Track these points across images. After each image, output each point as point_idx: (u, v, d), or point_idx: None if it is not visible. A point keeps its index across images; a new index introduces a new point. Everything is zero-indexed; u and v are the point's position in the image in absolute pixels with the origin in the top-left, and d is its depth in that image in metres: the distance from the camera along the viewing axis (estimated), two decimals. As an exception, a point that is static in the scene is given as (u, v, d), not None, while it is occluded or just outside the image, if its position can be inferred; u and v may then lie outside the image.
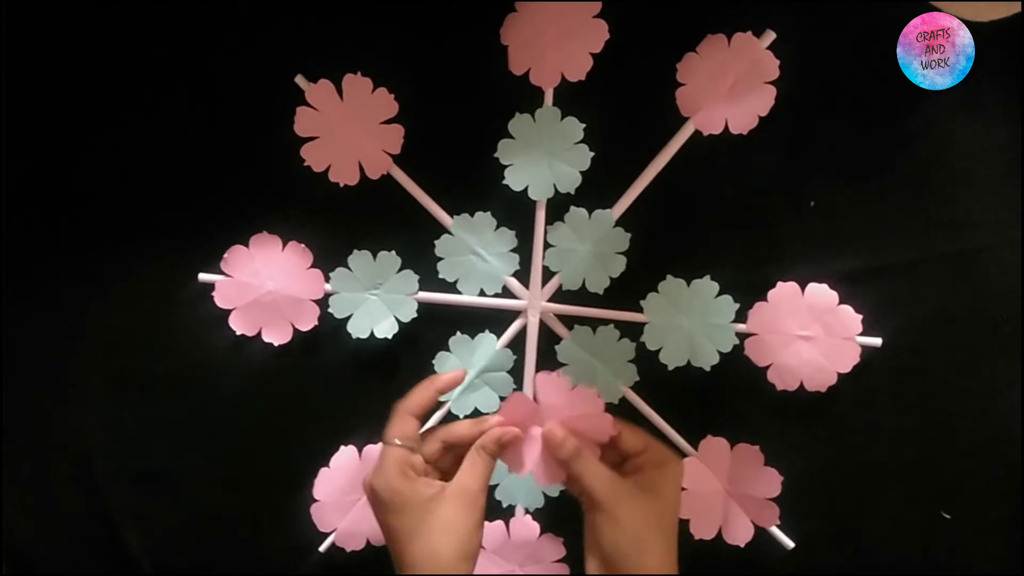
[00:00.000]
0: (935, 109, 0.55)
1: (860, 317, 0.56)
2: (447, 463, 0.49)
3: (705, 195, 0.58)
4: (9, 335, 0.60)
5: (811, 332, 0.56)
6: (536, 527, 0.60)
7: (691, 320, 0.57)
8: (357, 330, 0.58)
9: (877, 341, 0.56)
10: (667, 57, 0.55)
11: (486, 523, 0.59)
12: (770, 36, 0.54)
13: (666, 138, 0.56)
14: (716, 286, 0.56)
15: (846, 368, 0.56)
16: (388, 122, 0.56)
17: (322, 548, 0.60)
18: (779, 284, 0.56)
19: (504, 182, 0.56)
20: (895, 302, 0.57)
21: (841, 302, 0.56)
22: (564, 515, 0.60)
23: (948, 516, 0.58)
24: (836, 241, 0.57)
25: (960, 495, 0.58)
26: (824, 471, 0.59)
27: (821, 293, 0.56)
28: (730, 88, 0.54)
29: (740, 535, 0.58)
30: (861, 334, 0.56)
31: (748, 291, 0.56)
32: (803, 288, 0.56)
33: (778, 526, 0.58)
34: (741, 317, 0.56)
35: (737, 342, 0.56)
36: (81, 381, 0.61)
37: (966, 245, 0.56)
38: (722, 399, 0.58)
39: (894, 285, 0.57)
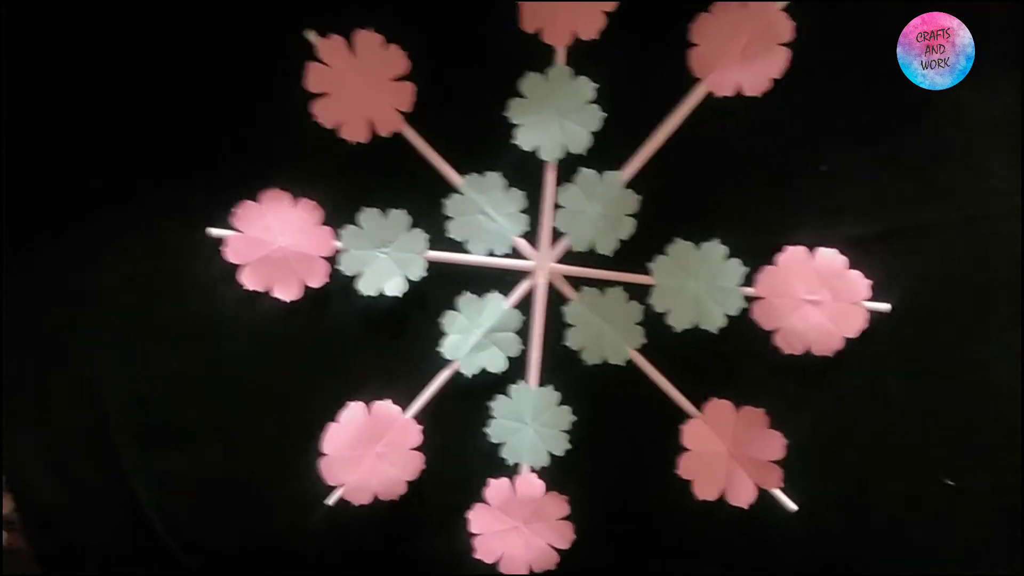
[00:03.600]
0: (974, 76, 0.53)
1: (869, 282, 0.55)
2: None
3: (716, 158, 0.56)
4: (19, 288, 0.60)
5: (819, 296, 0.55)
6: (541, 485, 0.60)
7: (699, 283, 0.56)
8: (366, 288, 0.57)
9: (885, 306, 0.55)
10: (681, 17, 0.54)
11: (491, 480, 0.60)
12: (785, -2, 0.53)
13: (678, 99, 0.55)
14: (725, 249, 0.56)
15: (853, 333, 0.55)
16: (399, 79, 0.55)
17: (330, 501, 0.60)
18: (788, 248, 0.55)
19: (514, 142, 0.55)
20: (905, 268, 0.56)
21: (850, 267, 0.55)
22: (569, 474, 0.60)
23: (952, 483, 0.58)
24: (846, 206, 0.56)
25: (965, 463, 0.58)
26: (828, 436, 0.58)
27: (830, 258, 0.55)
28: (744, 50, 0.53)
29: (743, 497, 0.58)
30: (869, 299, 0.55)
31: (757, 255, 0.56)
32: (812, 252, 0.55)
33: (781, 489, 0.58)
34: (749, 281, 0.56)
35: (745, 305, 0.56)
36: (90, 335, 0.60)
37: (980, 212, 0.55)
38: (728, 362, 0.58)
39: (905, 251, 0.56)
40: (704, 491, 0.58)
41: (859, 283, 0.55)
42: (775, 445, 0.57)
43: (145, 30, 0.57)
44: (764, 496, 0.58)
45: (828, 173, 0.56)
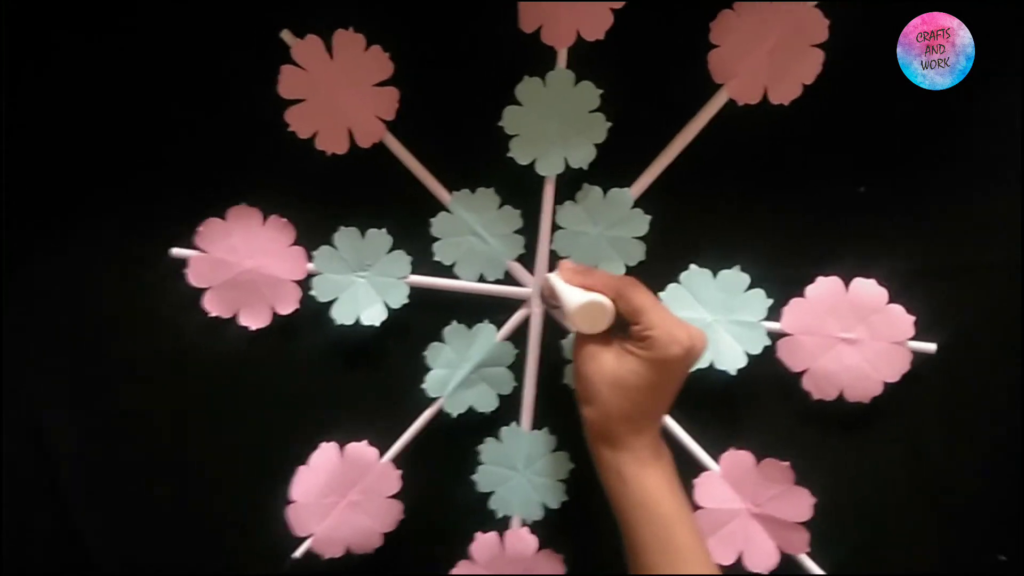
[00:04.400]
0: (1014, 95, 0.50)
1: (912, 319, 0.52)
2: None
3: (737, 174, 0.54)
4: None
5: (855, 334, 0.52)
6: (533, 541, 0.57)
7: (717, 316, 0.54)
8: (342, 316, 0.55)
9: (931, 347, 0.52)
10: (699, 14, 0.50)
11: (478, 535, 0.57)
12: (819, -7, 0.50)
13: (695, 108, 0.52)
14: (747, 278, 0.53)
15: (894, 377, 0.52)
16: (382, 84, 0.53)
17: (297, 554, 0.56)
18: (819, 279, 0.53)
19: (509, 154, 0.53)
20: (953, 304, 0.53)
21: (890, 301, 0.52)
22: (565, 529, 0.57)
23: (1005, 559, 0.53)
24: (888, 233, 0.53)
25: (1018, 531, 0.53)
26: (862, 494, 0.55)
27: (868, 290, 0.52)
28: (771, 52, 0.50)
29: (763, 562, 0.54)
30: (913, 338, 0.52)
31: (783, 285, 0.53)
32: (847, 284, 0.53)
33: (808, 554, 0.54)
34: (774, 315, 0.53)
35: (769, 343, 0.53)
36: (39, 364, 0.57)
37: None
38: (749, 407, 0.55)
39: (953, 285, 0.53)
40: (719, 554, 0.54)
41: (901, 320, 0.52)
42: (801, 504, 0.54)
43: (97, 29, 0.53)
44: (787, 561, 0.55)
45: (867, 195, 0.53)
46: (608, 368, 0.44)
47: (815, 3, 0.49)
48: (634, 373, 0.43)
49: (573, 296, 0.45)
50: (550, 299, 0.49)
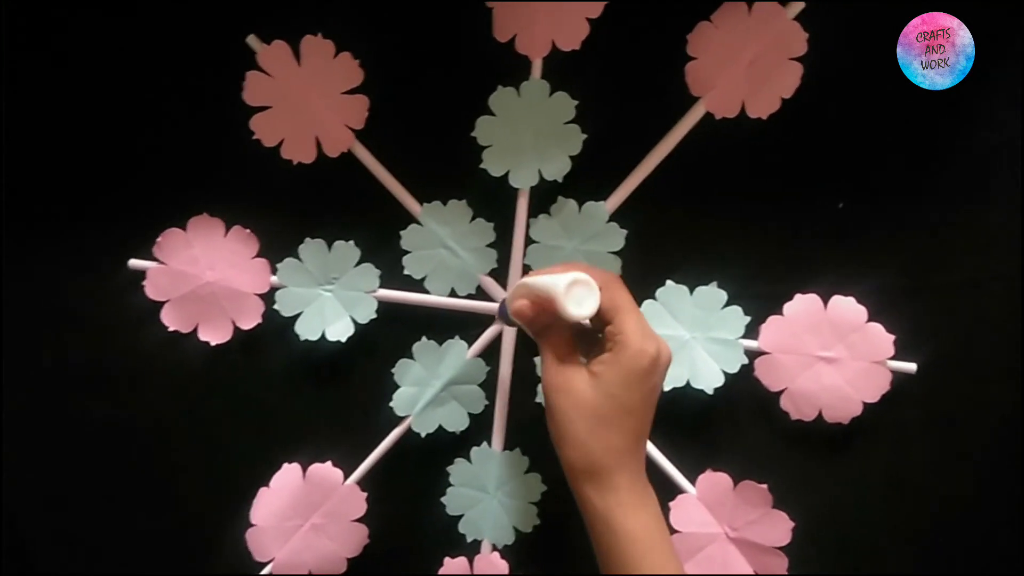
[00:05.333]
0: (997, 101, 0.50)
1: (892, 338, 0.51)
2: None
3: (715, 189, 0.53)
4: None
5: (834, 353, 0.52)
6: (504, 566, 0.56)
7: (693, 334, 0.53)
8: (306, 331, 0.54)
9: (911, 367, 0.52)
10: (676, 26, 0.50)
11: (447, 559, 0.56)
12: (798, 6, 0.49)
13: (672, 121, 0.52)
14: (724, 295, 0.53)
15: (873, 397, 0.52)
16: (351, 92, 0.52)
17: None
18: (797, 296, 0.52)
19: (482, 166, 0.52)
20: (934, 323, 0.52)
21: (870, 319, 0.52)
22: (537, 554, 0.56)
23: None
24: (868, 251, 0.53)
25: (1000, 554, 0.53)
26: (842, 517, 0.55)
27: (847, 308, 0.52)
28: (749, 65, 0.50)
29: None
30: (893, 358, 0.52)
31: (761, 303, 0.53)
32: (826, 302, 0.52)
33: None
34: (752, 333, 0.53)
35: (746, 362, 0.52)
36: None
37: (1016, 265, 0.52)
38: (726, 428, 0.54)
39: (934, 304, 0.53)
40: (696, 578, 0.54)
41: (881, 339, 0.52)
42: (780, 528, 0.53)
43: (56, 32, 0.52)
44: (766, 586, 0.54)
45: (846, 211, 0.53)
46: (584, 398, 0.41)
47: (795, 13, 0.48)
48: (609, 396, 0.41)
49: (559, 278, 0.40)
50: (514, 316, 0.45)
